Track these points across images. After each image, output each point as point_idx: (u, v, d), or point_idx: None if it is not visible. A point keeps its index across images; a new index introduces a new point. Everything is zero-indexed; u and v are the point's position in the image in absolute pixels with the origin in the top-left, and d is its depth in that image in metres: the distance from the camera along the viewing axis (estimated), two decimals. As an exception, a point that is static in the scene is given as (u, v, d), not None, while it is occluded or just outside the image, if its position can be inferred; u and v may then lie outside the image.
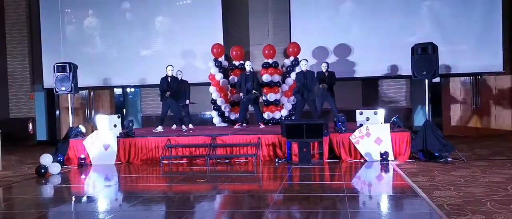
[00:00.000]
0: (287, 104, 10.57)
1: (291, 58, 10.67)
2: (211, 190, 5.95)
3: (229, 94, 10.93)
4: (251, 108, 10.37)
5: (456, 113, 11.95)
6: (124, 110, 13.01)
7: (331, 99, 9.64)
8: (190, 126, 10.03)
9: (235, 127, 9.93)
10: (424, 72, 8.01)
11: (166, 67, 9.55)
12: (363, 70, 11.19)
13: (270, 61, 10.73)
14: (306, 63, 9.54)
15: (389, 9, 11.13)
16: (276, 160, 7.99)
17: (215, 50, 10.98)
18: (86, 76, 11.73)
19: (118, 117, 9.00)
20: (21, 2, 13.18)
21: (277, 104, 10.59)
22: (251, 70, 10.03)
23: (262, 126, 9.96)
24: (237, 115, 10.54)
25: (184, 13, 12.05)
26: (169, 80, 9.53)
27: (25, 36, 13.20)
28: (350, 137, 7.89)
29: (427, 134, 7.77)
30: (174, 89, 9.53)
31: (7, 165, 8.60)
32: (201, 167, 7.87)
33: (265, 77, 10.45)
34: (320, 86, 9.43)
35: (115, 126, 8.79)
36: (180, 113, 9.97)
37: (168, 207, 5.22)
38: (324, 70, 9.64)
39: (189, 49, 11.87)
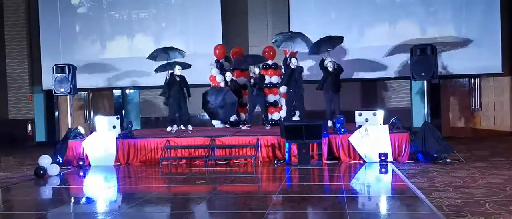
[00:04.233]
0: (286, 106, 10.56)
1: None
2: (210, 192, 5.95)
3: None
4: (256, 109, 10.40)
5: (455, 114, 11.96)
6: (123, 112, 13.00)
7: (336, 99, 9.43)
8: (189, 127, 10.01)
9: (243, 128, 9.88)
10: (423, 73, 8.03)
11: (174, 67, 9.60)
12: (362, 71, 11.20)
13: (270, 62, 10.72)
14: (296, 60, 9.46)
15: (389, 10, 11.14)
16: (275, 161, 7.99)
17: (217, 51, 10.98)
18: (85, 77, 11.74)
19: (117, 118, 9.00)
20: (20, 4, 13.17)
21: (276, 105, 10.59)
22: (256, 73, 9.97)
23: (267, 127, 9.94)
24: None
25: (183, 15, 12.05)
26: (177, 79, 9.53)
27: (24, 37, 13.19)
28: (349, 138, 7.89)
29: (426, 135, 7.77)
30: (186, 88, 9.63)
31: (6, 167, 8.59)
32: (200, 168, 7.86)
33: (265, 78, 10.45)
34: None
35: (114, 127, 8.78)
36: (186, 113, 9.90)
37: (167, 208, 5.22)
38: (330, 69, 9.37)
39: (188, 50, 11.83)
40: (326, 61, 9.54)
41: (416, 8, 11.03)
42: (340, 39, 9.58)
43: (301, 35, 9.53)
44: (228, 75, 10.15)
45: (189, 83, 10.25)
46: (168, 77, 9.74)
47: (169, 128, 9.76)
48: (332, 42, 9.54)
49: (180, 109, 9.72)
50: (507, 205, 4.57)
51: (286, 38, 9.58)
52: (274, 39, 9.75)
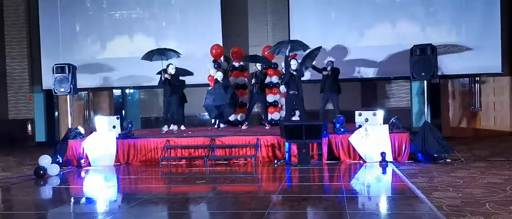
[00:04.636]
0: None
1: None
2: (210, 191, 5.95)
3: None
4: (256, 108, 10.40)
5: (455, 114, 11.96)
6: (123, 111, 13.00)
7: (335, 98, 9.59)
8: (182, 127, 9.99)
9: (243, 128, 9.87)
10: (423, 73, 8.02)
11: (167, 66, 9.55)
12: (362, 71, 11.20)
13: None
14: (296, 63, 9.48)
15: (389, 10, 11.14)
16: (275, 161, 7.99)
17: (214, 51, 10.98)
18: (85, 77, 11.74)
19: (117, 118, 9.00)
20: (20, 3, 13.17)
21: (276, 105, 10.59)
22: (258, 68, 10.02)
23: (267, 126, 9.94)
24: (237, 116, 10.63)
25: (183, 15, 12.06)
26: (169, 78, 9.51)
27: (24, 37, 13.19)
28: (349, 138, 7.89)
29: (426, 135, 7.78)
30: (177, 87, 9.57)
31: (6, 166, 8.59)
32: (200, 168, 7.86)
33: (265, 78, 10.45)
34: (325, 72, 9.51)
35: (114, 127, 8.78)
36: (176, 112, 9.87)
37: (167, 208, 5.22)
38: (328, 68, 9.53)
39: (188, 50, 11.86)
40: (325, 62, 9.60)
41: (416, 8, 11.02)
42: (317, 49, 9.51)
43: (301, 45, 9.48)
44: (219, 75, 9.91)
45: (189, 83, 10.25)
46: (163, 77, 9.64)
47: (171, 128, 9.78)
48: (311, 55, 9.46)
49: (171, 108, 9.68)
50: (507, 205, 4.57)
51: (284, 46, 9.50)
52: (273, 49, 9.70)
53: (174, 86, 9.59)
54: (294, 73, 9.12)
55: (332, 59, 9.87)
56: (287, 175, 7.02)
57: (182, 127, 9.99)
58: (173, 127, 9.75)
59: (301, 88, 9.27)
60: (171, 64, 9.66)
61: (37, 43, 12.81)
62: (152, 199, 5.57)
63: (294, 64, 9.21)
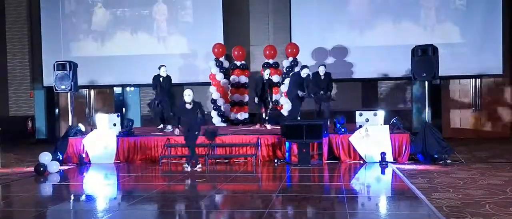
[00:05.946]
0: (287, 105, 10.55)
1: (290, 58, 10.68)
2: (210, 190, 5.95)
3: (229, 94, 10.93)
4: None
5: (455, 115, 11.95)
6: (124, 109, 13.00)
7: (326, 103, 9.52)
8: (168, 126, 9.93)
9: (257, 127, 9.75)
10: (424, 74, 8.01)
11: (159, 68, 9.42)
12: (363, 71, 11.20)
13: (270, 61, 10.73)
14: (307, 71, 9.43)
15: (390, 10, 11.14)
16: (276, 160, 7.99)
17: (216, 50, 10.98)
18: (86, 75, 11.73)
19: (118, 116, 8.98)
20: (22, 1, 13.17)
21: (276, 104, 10.59)
22: (266, 76, 9.75)
23: (266, 126, 9.93)
24: (237, 115, 10.61)
25: (185, 13, 12.05)
26: (161, 80, 9.36)
27: (26, 34, 13.20)
28: (350, 138, 7.88)
29: (427, 136, 7.77)
30: (167, 89, 9.43)
31: (6, 163, 8.59)
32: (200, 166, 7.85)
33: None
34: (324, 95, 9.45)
35: (114, 125, 8.78)
36: (168, 112, 9.74)
37: (167, 206, 5.22)
38: (322, 73, 9.34)
39: (189, 49, 11.88)
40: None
41: (418, 8, 11.02)
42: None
43: None
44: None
45: (190, 82, 10.24)
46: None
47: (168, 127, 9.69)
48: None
49: (164, 108, 9.57)
50: (507, 206, 4.56)
51: None
52: None
53: (168, 88, 9.42)
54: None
55: (325, 63, 9.81)
56: (287, 175, 7.02)
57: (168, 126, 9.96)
58: (167, 126, 9.66)
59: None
60: (163, 66, 9.46)
61: (38, 40, 12.81)
62: (152, 197, 5.57)
63: (305, 73, 9.07)
